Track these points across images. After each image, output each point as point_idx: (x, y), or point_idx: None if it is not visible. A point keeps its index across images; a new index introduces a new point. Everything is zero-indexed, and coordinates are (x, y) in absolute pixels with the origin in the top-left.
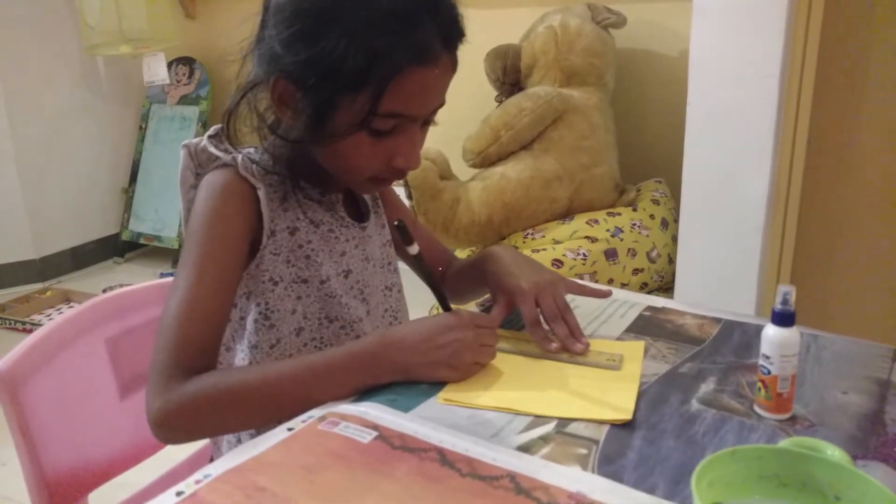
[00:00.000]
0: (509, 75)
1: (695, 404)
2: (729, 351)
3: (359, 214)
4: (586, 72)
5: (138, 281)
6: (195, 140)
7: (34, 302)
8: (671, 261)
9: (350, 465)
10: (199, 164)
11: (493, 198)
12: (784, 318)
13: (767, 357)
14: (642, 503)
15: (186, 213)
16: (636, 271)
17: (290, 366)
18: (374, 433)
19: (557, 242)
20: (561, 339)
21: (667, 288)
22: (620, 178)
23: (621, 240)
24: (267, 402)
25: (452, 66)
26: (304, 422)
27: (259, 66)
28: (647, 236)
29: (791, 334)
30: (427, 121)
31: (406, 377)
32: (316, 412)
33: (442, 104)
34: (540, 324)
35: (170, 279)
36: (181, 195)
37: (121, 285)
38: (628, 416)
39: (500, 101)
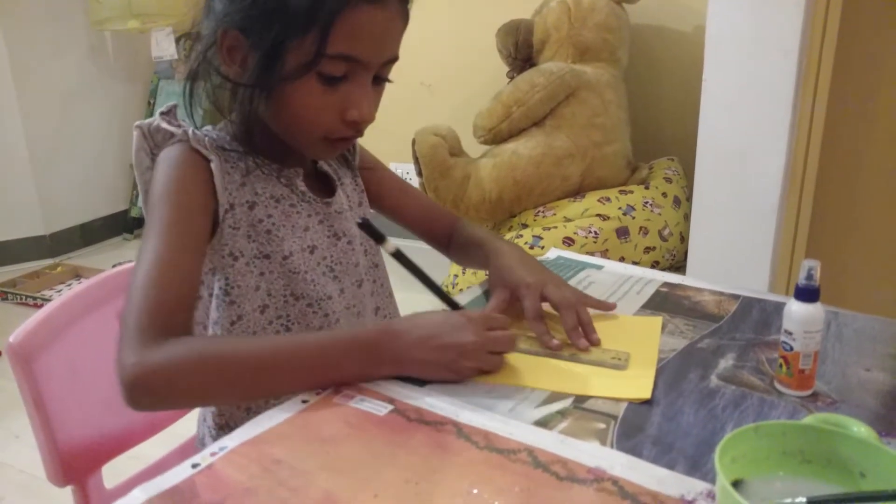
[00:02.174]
0: (521, 51)
1: (714, 380)
2: (748, 327)
3: (324, 190)
4: (599, 48)
5: None
6: (147, 120)
7: (44, 277)
8: (683, 239)
9: (366, 437)
10: (156, 143)
11: (504, 175)
12: (808, 294)
13: (790, 333)
14: (663, 479)
15: (144, 195)
16: (648, 250)
17: (287, 342)
18: (390, 406)
19: (569, 220)
20: (567, 331)
21: (678, 267)
22: (633, 156)
23: (633, 218)
24: (255, 377)
25: (403, 14)
26: (318, 394)
27: (208, 26)
28: (660, 214)
29: (815, 310)
30: (381, 76)
31: (403, 372)
32: None
33: (395, 58)
34: (542, 318)
35: None
36: (137, 177)
37: (130, 261)
38: (647, 394)
39: (512, 78)
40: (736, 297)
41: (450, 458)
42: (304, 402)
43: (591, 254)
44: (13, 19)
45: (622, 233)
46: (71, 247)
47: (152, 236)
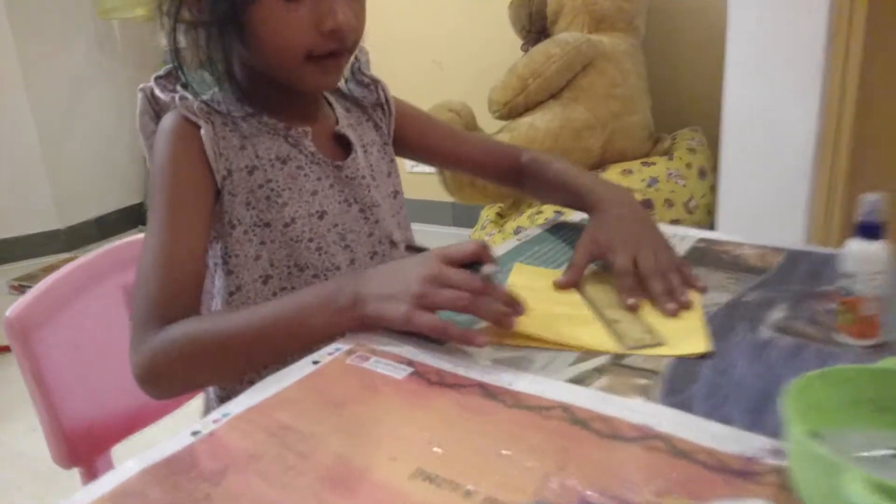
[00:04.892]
0: (535, 23)
1: (766, 331)
2: (797, 279)
3: (341, 153)
4: (615, 17)
5: None
6: (150, 83)
7: None
8: (710, 211)
9: (382, 398)
10: (161, 107)
11: None
12: (870, 230)
13: (851, 275)
14: (719, 435)
15: (151, 161)
16: (673, 223)
17: (260, 313)
18: (410, 369)
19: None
20: (655, 296)
21: None
22: (654, 127)
23: (657, 190)
24: (237, 353)
25: None
26: (330, 354)
27: None
28: (685, 186)
29: (878, 248)
30: None
31: (363, 312)
32: (343, 345)
33: None
34: (630, 274)
35: None
36: (143, 142)
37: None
38: (707, 347)
39: (527, 51)
40: (779, 249)
41: (475, 418)
42: (314, 363)
43: None
44: (20, 12)
45: (646, 206)
46: (87, 240)
47: (155, 218)
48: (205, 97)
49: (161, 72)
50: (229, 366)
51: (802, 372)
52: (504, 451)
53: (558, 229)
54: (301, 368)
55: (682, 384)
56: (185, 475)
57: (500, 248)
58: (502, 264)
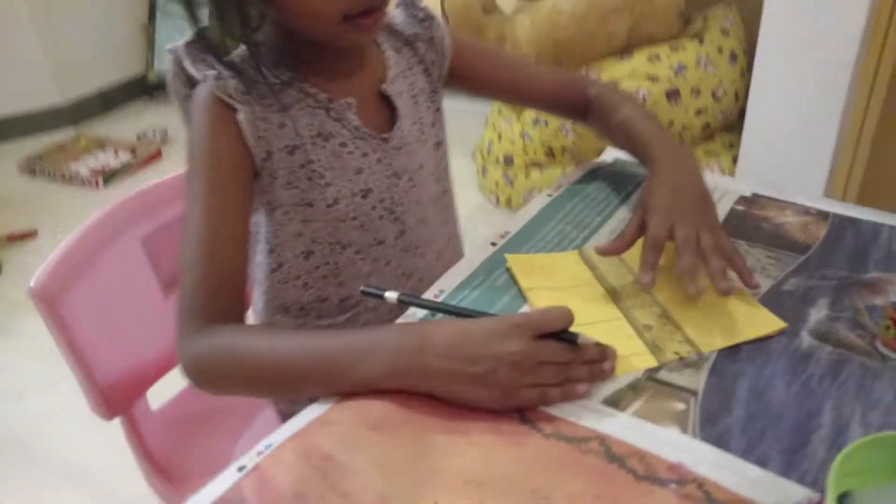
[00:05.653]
0: None
1: (806, 339)
2: (841, 260)
3: (388, 119)
4: None
5: (172, 121)
6: (180, 45)
7: (70, 150)
8: (738, 98)
9: (422, 423)
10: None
11: (544, 34)
12: None
13: None
14: (756, 481)
15: (186, 123)
16: (699, 112)
17: (309, 346)
18: None
19: (613, 83)
20: (685, 271)
21: (730, 127)
22: (685, 4)
23: (685, 78)
24: (278, 380)
25: None
26: None
27: None
28: (714, 73)
29: None
30: None
31: (430, 389)
32: None
33: None
34: (657, 247)
35: None
36: (178, 106)
37: (154, 131)
38: (781, 322)
39: None
40: (825, 215)
41: (514, 451)
42: None
43: None
44: None
45: (672, 95)
46: (91, 114)
47: (196, 203)
48: (238, 53)
49: (192, 36)
50: (269, 389)
51: (844, 396)
52: (544, 497)
53: (592, 178)
54: None
55: (718, 410)
56: None
57: (529, 210)
58: (535, 229)
